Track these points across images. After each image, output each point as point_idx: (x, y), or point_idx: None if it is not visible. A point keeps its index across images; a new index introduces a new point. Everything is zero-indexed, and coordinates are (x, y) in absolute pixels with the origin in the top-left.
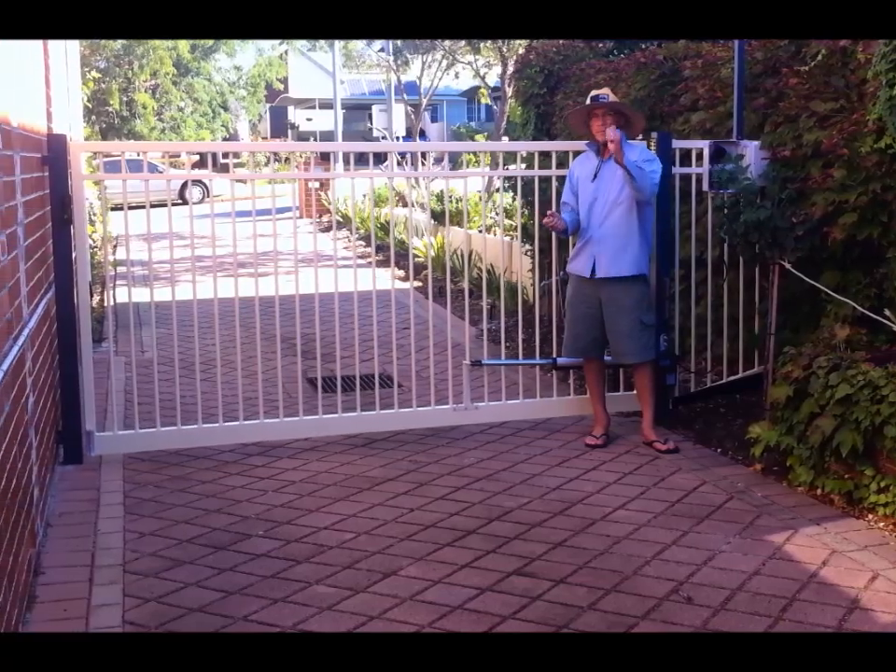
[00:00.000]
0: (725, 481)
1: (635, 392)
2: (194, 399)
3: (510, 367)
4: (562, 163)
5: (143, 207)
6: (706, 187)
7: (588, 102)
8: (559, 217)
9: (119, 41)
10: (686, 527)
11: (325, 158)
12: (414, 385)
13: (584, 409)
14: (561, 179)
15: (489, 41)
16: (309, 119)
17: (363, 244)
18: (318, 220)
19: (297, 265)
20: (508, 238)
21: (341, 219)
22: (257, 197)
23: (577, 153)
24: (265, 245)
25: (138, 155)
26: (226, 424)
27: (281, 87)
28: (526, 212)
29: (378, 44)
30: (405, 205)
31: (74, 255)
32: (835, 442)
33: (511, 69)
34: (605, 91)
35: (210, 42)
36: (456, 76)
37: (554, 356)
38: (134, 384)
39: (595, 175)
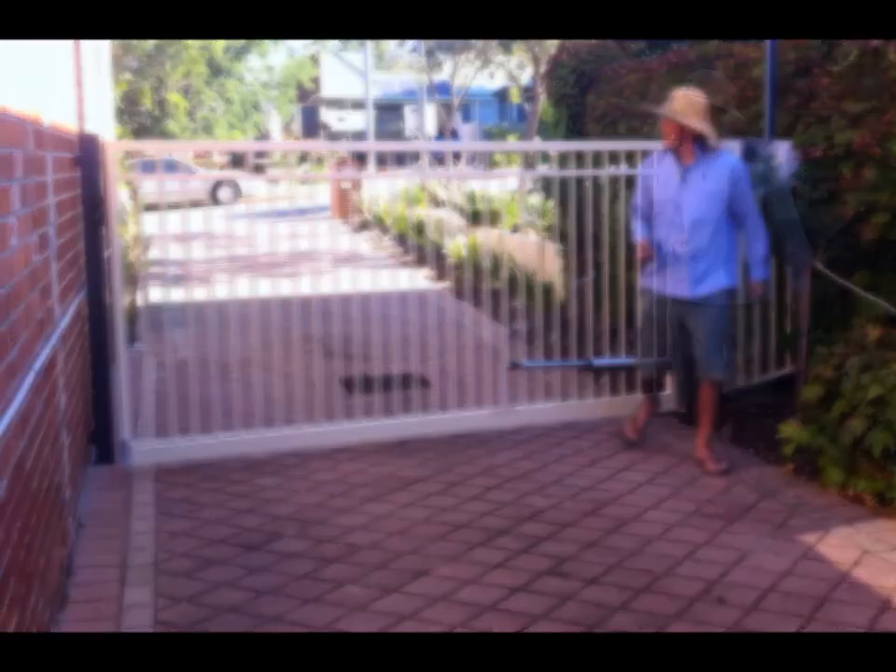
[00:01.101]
0: (757, 481)
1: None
2: (228, 404)
3: (543, 368)
4: (597, 162)
5: (175, 208)
6: None
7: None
8: (651, 250)
9: (152, 41)
10: (717, 527)
11: (358, 159)
12: (454, 388)
13: (620, 410)
14: (592, 181)
15: (521, 41)
16: (341, 120)
17: (394, 243)
18: (349, 220)
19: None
20: (539, 238)
21: (372, 219)
22: (288, 197)
23: (612, 154)
24: (297, 246)
25: (169, 155)
26: (265, 434)
27: (312, 87)
28: (558, 212)
29: (410, 44)
30: (436, 206)
31: (106, 255)
32: (867, 443)
33: (542, 69)
34: (678, 94)
35: (242, 42)
36: (491, 76)
37: (591, 357)
38: (172, 386)
39: (679, 183)
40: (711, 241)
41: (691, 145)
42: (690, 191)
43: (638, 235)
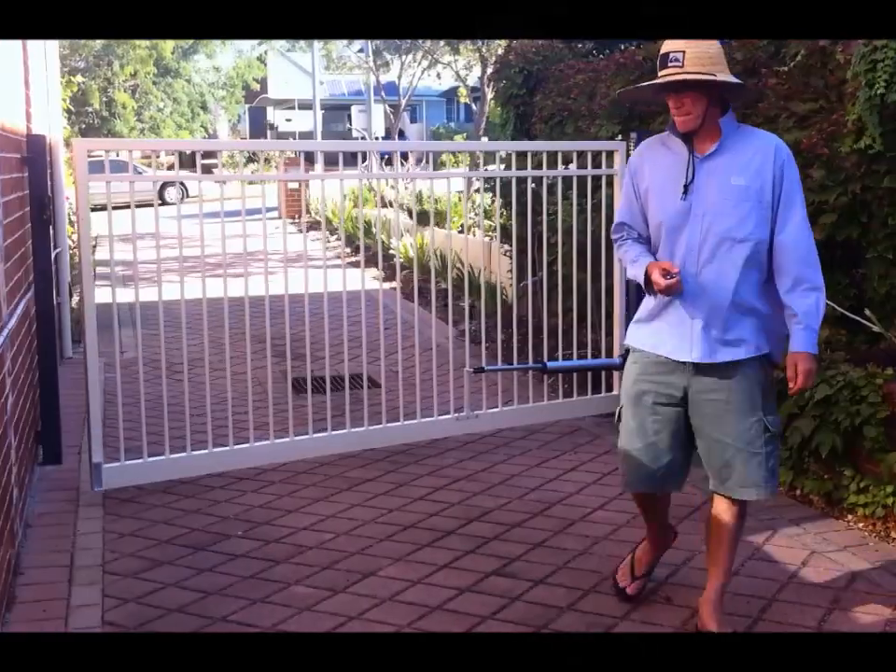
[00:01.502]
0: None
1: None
2: (178, 408)
3: (498, 371)
4: (541, 164)
5: (118, 208)
6: None
7: (659, 63)
8: (679, 276)
9: (100, 41)
10: None
11: (306, 159)
12: (403, 389)
13: (575, 412)
14: (538, 181)
15: (469, 42)
16: (288, 120)
17: (342, 244)
18: (297, 221)
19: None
20: (487, 238)
21: (319, 220)
22: (236, 198)
23: (566, 156)
24: (243, 246)
25: (117, 155)
26: (215, 450)
27: (258, 87)
28: (505, 212)
29: (357, 44)
30: (384, 206)
31: (55, 254)
32: (815, 443)
33: (490, 70)
34: (680, 46)
35: (190, 42)
36: (438, 76)
37: (544, 360)
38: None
39: (687, 186)
40: (746, 272)
41: (716, 120)
42: (711, 192)
43: (641, 263)
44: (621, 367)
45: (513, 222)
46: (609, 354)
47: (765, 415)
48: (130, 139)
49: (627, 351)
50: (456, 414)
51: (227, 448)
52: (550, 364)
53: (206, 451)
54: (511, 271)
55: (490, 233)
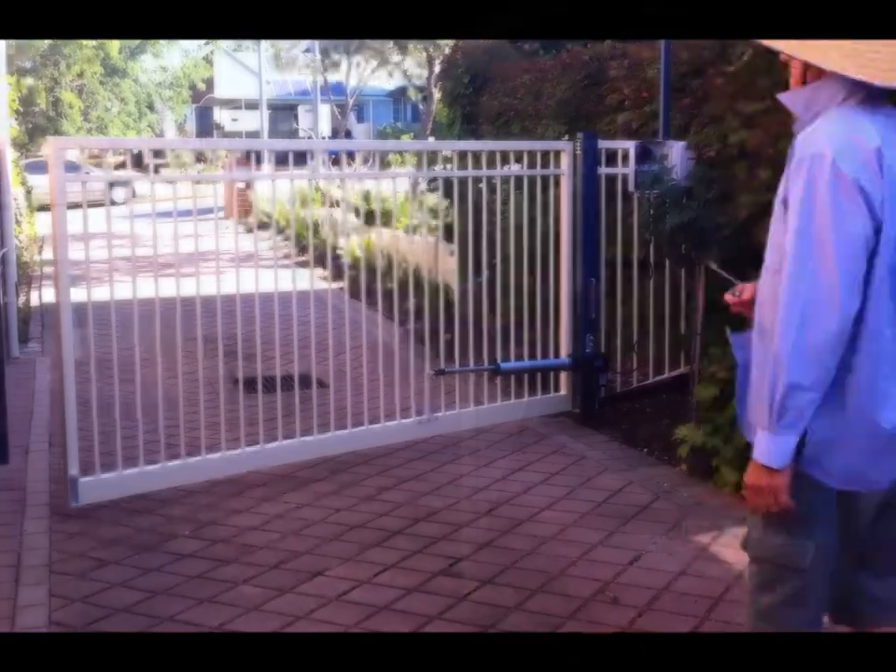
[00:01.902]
0: (651, 481)
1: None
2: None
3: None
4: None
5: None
6: (631, 187)
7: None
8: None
9: (46, 41)
10: (612, 528)
11: (251, 158)
12: (351, 389)
13: (525, 412)
14: (486, 181)
15: (416, 42)
16: (235, 120)
17: (289, 244)
18: (244, 221)
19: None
20: (434, 238)
21: (267, 220)
22: (182, 198)
23: (518, 155)
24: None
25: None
26: (168, 464)
27: (204, 87)
28: (451, 212)
29: (304, 44)
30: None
31: (1, 254)
32: None
33: (437, 70)
34: None
35: (137, 42)
36: (390, 74)
37: (497, 360)
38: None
39: None
40: None
41: None
42: None
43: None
44: (569, 367)
45: (456, 222)
46: (556, 354)
47: None
48: (108, 138)
49: (574, 351)
50: (418, 418)
51: (180, 461)
52: (503, 365)
53: (160, 465)
54: (457, 270)
55: (436, 233)
